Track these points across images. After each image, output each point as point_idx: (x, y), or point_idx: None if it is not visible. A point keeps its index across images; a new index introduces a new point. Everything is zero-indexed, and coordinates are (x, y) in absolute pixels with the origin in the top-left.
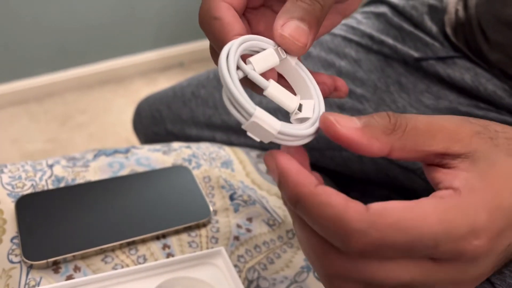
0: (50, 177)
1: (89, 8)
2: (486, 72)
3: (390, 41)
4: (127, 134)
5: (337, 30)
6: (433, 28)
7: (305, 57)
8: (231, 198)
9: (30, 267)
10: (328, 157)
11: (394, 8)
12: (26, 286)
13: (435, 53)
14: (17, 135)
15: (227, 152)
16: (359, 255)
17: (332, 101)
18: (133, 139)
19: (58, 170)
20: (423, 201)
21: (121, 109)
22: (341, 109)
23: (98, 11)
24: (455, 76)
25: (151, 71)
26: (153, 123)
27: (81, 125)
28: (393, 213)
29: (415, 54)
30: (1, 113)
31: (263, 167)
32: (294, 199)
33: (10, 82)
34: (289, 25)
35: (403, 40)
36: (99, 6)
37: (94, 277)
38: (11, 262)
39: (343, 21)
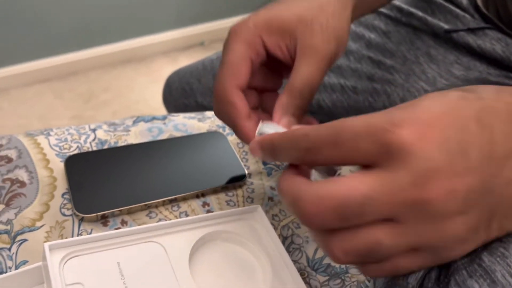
0: (93, 140)
1: None
2: None
3: (419, 13)
4: (149, 111)
5: None
6: (464, 0)
7: None
8: (264, 162)
9: (81, 219)
10: None
11: None
12: (79, 236)
13: (466, 25)
14: (43, 112)
15: None
16: (327, 233)
17: (362, 72)
18: None
19: (100, 134)
20: None
21: (143, 87)
22: (371, 79)
23: None
24: (485, 47)
25: (173, 50)
26: (184, 95)
27: (104, 103)
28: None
29: (445, 26)
30: (27, 91)
31: None
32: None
33: (35, 60)
34: (284, 121)
35: (432, 13)
36: None
37: (142, 227)
38: (64, 215)
39: None
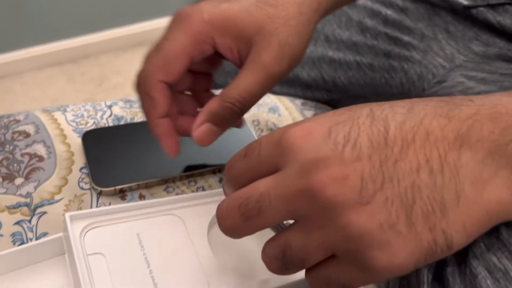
0: (110, 116)
1: None
2: None
3: None
4: None
5: None
6: None
7: (350, 7)
8: None
9: (100, 193)
10: None
11: None
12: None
13: (485, 0)
14: (56, 95)
15: (272, 99)
16: None
17: (379, 49)
18: None
19: (116, 110)
20: None
21: None
22: (388, 56)
23: None
24: (505, 23)
25: None
26: None
27: (116, 86)
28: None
29: (464, 2)
30: (39, 74)
31: (308, 114)
32: None
33: (47, 43)
34: (202, 128)
35: None
36: None
37: (161, 200)
38: (82, 188)
39: None
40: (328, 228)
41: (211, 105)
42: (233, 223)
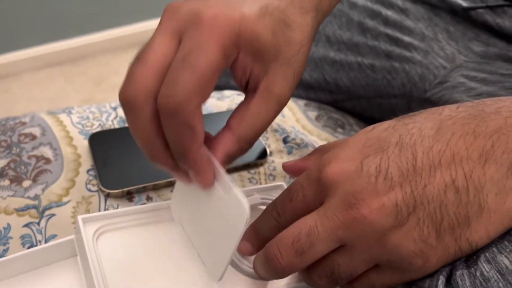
0: (115, 118)
1: None
2: None
3: None
4: None
5: None
6: None
7: (351, 7)
8: (284, 141)
9: (108, 195)
10: (376, 105)
11: None
12: (106, 210)
13: (484, 2)
14: (54, 95)
15: None
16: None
17: (380, 50)
18: None
19: (122, 112)
20: None
21: None
22: (389, 57)
23: None
24: (504, 25)
25: None
26: None
27: (115, 86)
28: None
29: (464, 4)
30: (38, 74)
31: (312, 114)
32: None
33: (45, 44)
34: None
35: None
36: None
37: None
38: (90, 190)
39: None
40: (371, 248)
41: (228, 147)
42: (289, 261)
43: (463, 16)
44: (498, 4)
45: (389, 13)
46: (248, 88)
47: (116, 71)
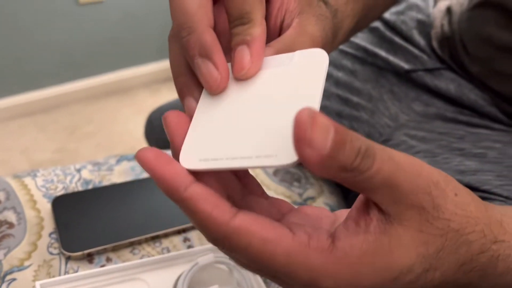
0: (79, 180)
1: (95, 22)
2: (468, 83)
3: (383, 53)
4: (133, 143)
5: None
6: (421, 42)
7: None
8: None
9: (68, 258)
10: None
11: (386, 23)
12: (66, 274)
13: (424, 65)
14: (26, 145)
15: None
16: None
17: (331, 109)
18: (139, 148)
19: (85, 174)
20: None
21: (127, 119)
22: (340, 116)
23: (104, 25)
24: (441, 87)
25: (155, 82)
26: (165, 132)
27: (88, 135)
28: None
29: (406, 66)
30: (10, 124)
31: (269, 169)
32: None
33: (18, 94)
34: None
35: (394, 53)
36: (104, 20)
37: (127, 264)
38: (51, 253)
39: None
40: None
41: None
42: None
43: (405, 77)
44: (435, 67)
45: (340, 74)
46: (282, 27)
47: (90, 120)
